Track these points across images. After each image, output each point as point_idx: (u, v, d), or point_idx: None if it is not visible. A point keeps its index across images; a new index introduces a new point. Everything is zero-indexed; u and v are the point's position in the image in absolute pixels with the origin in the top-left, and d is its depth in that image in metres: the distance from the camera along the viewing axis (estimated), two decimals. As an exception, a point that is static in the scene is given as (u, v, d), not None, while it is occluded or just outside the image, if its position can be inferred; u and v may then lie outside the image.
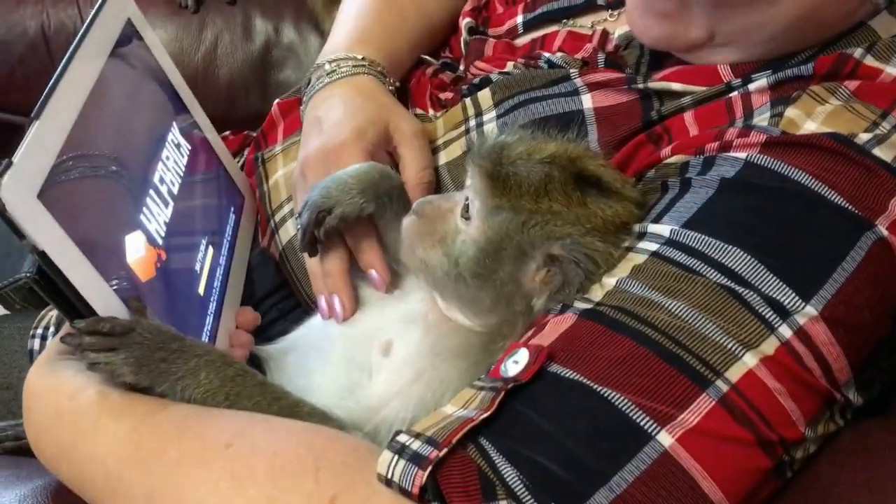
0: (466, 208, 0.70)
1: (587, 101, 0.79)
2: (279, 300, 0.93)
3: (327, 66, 0.93)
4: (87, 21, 0.75)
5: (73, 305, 0.65)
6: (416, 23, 1.02)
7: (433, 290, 0.72)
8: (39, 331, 1.03)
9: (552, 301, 0.66)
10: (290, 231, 0.92)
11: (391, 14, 1.01)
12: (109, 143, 0.74)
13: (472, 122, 0.86)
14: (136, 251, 0.73)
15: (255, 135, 1.19)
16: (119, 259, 0.70)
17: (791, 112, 0.67)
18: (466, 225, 0.70)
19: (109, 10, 0.78)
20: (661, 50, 0.81)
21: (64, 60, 0.69)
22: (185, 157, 0.87)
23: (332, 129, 0.86)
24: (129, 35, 0.82)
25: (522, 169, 0.67)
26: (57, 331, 1.02)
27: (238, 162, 1.07)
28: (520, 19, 0.96)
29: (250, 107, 1.52)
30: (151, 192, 0.78)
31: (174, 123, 0.87)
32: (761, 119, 0.68)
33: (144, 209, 0.76)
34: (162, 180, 0.80)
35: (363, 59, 0.93)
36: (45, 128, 0.64)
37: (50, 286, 0.64)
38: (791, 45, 0.73)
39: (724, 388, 0.56)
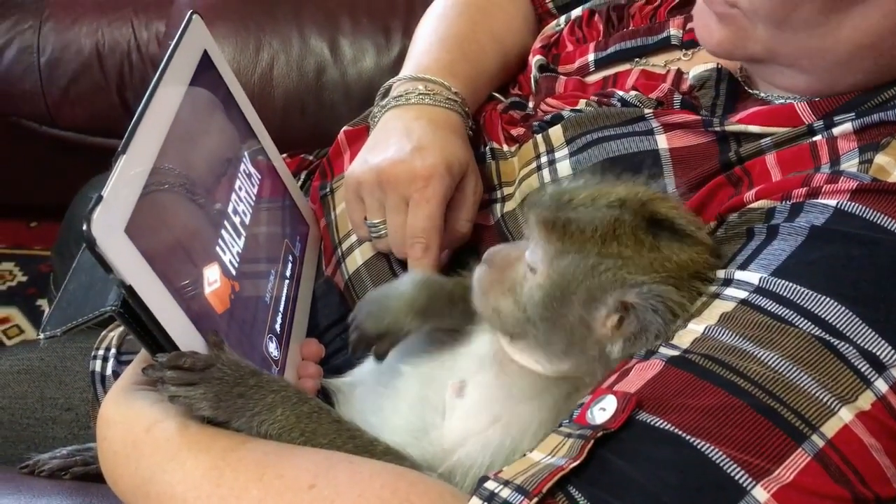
0: (528, 261, 0.69)
1: (662, 142, 0.79)
2: (344, 330, 0.92)
3: (421, 87, 0.93)
4: (167, 54, 0.76)
5: (155, 338, 0.65)
6: (494, 58, 1.03)
7: (504, 336, 0.71)
8: (101, 351, 1.03)
9: (628, 348, 0.65)
10: (357, 261, 0.93)
11: (473, 48, 1.01)
12: (188, 174, 0.75)
13: (544, 159, 0.86)
14: (213, 283, 0.73)
15: (311, 157, 1.20)
16: (198, 291, 0.71)
17: (881, 158, 0.65)
18: (533, 273, 0.68)
19: (188, 42, 0.79)
20: (723, 57, 0.81)
21: (146, 95, 0.70)
22: (256, 187, 0.87)
23: (422, 150, 0.85)
24: (205, 66, 0.82)
25: (585, 214, 0.66)
26: (118, 352, 1.03)
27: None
28: (591, 57, 0.96)
29: (305, 127, 1.53)
30: (226, 223, 0.78)
31: (246, 153, 0.88)
32: (849, 165, 0.67)
33: (220, 240, 0.76)
34: (235, 211, 0.81)
35: (457, 93, 0.94)
36: (131, 162, 0.65)
37: (133, 319, 0.64)
38: (858, 76, 0.73)
39: (821, 443, 0.55)
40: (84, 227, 0.58)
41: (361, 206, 0.89)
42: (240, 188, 0.83)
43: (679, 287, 0.64)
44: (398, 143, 0.87)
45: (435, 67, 0.97)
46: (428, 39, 1.04)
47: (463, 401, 0.71)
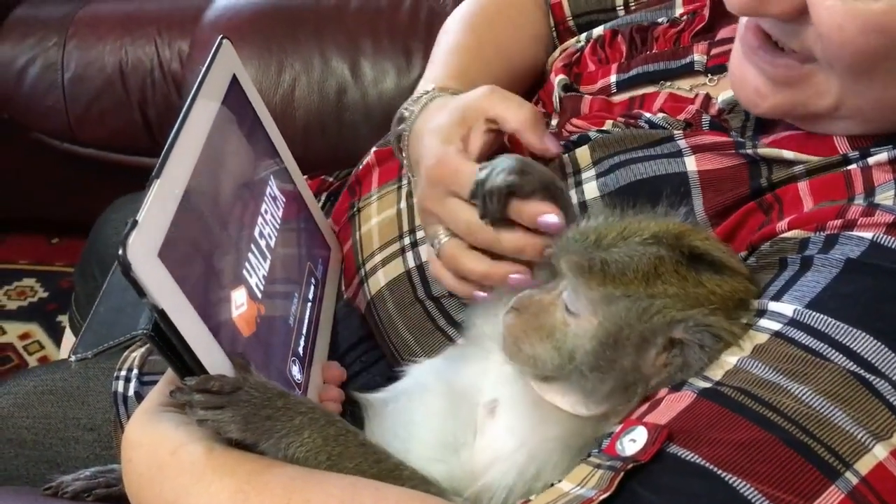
0: (567, 306, 0.67)
1: (691, 164, 0.78)
2: (363, 352, 0.93)
3: (405, 113, 0.93)
4: (199, 78, 0.76)
5: (184, 361, 0.65)
6: (499, 71, 1.03)
7: (537, 381, 0.69)
8: (123, 372, 1.03)
9: (667, 381, 0.64)
10: (380, 281, 0.93)
11: (478, 60, 1.03)
12: (218, 198, 0.75)
13: (570, 180, 0.85)
14: (241, 306, 0.73)
15: (331, 179, 1.20)
16: (226, 315, 0.71)
17: None
18: (574, 319, 0.67)
19: (218, 66, 0.80)
20: (776, 118, 0.79)
21: (179, 119, 0.71)
22: (281, 210, 0.88)
23: (428, 160, 0.84)
24: (234, 90, 0.83)
25: (619, 253, 0.64)
26: (140, 372, 1.03)
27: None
28: (613, 79, 0.96)
29: (326, 148, 1.54)
30: (252, 246, 0.79)
31: (271, 176, 0.88)
32: (884, 197, 0.67)
33: (247, 263, 0.77)
34: (261, 234, 0.81)
35: (445, 87, 0.94)
36: (164, 186, 0.65)
37: (164, 342, 0.64)
38: None
39: (854, 480, 0.54)
40: (119, 252, 0.58)
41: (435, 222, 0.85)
42: (265, 211, 0.84)
43: (726, 318, 0.63)
44: (419, 169, 0.87)
45: (431, 77, 0.99)
46: (434, 59, 1.05)
47: (494, 422, 0.71)
